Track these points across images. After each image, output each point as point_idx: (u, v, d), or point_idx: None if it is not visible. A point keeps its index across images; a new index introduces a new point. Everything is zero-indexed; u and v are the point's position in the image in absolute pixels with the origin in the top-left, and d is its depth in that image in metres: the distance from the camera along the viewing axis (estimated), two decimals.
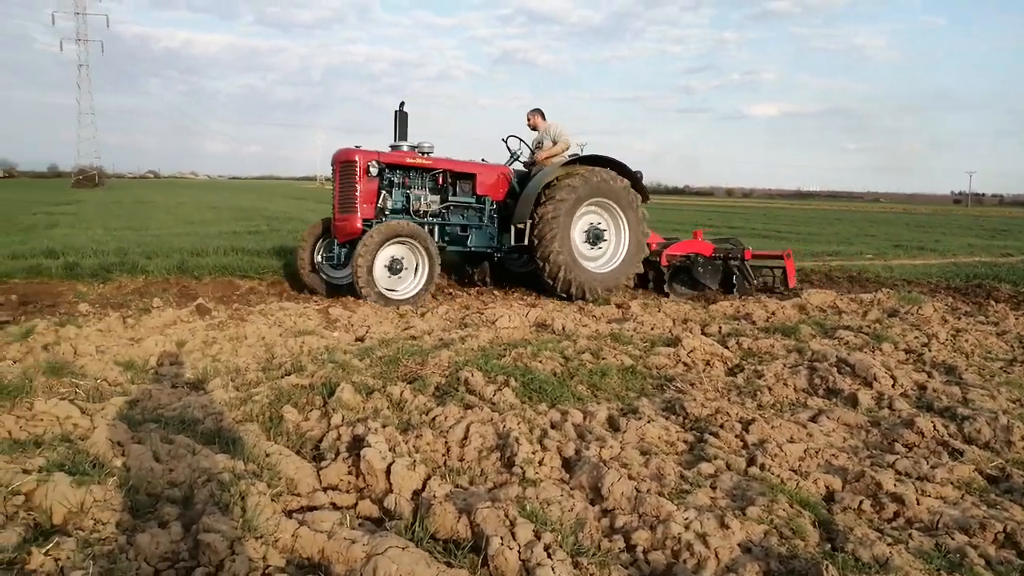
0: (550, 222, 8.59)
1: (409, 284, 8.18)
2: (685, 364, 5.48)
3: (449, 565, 2.59)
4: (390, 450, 3.43)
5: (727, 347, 5.91)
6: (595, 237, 9.18)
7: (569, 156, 9.36)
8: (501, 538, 2.65)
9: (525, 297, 9.22)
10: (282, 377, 4.74)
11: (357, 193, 8.29)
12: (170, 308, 7.11)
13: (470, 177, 9.16)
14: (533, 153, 9.78)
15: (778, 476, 3.50)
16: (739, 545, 2.81)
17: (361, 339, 6.17)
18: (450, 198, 9.03)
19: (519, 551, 2.61)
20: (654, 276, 9.95)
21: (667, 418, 4.25)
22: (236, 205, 32.63)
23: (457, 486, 3.27)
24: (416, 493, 3.17)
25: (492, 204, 9.27)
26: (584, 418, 4.14)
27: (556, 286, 8.71)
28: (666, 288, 9.65)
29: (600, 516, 3.02)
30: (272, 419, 4.03)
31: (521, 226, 8.83)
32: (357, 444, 3.56)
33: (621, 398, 4.67)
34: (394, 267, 8.05)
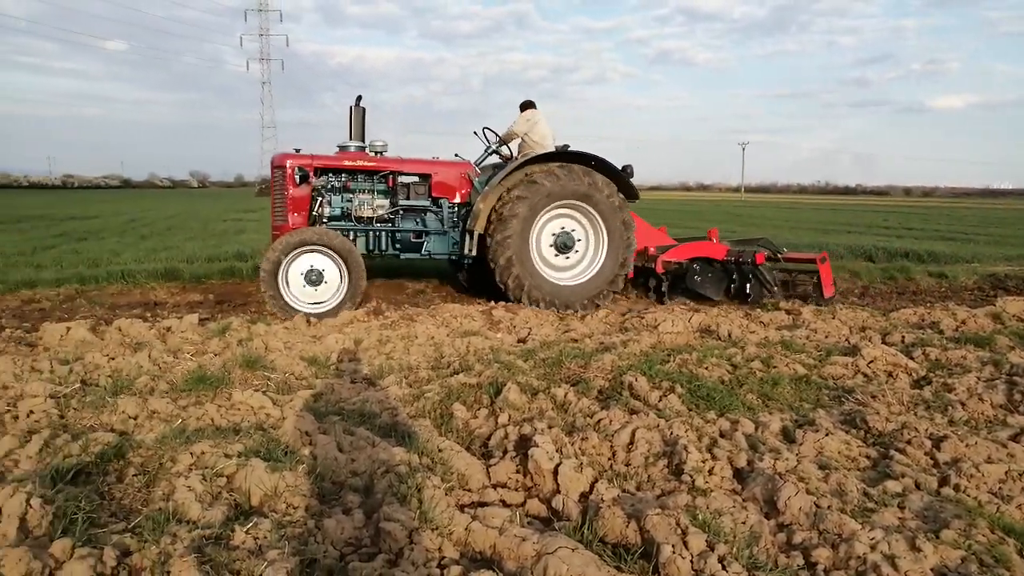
0: (504, 227, 7.72)
1: (328, 297, 7.42)
2: (865, 375, 5.15)
3: (619, 570, 2.58)
4: (557, 451, 3.46)
5: (912, 358, 5.49)
6: (564, 244, 8.19)
7: (550, 150, 8.32)
8: (672, 546, 2.60)
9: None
10: (451, 376, 4.91)
11: (287, 201, 7.82)
12: (346, 309, 7.55)
13: (424, 178, 8.34)
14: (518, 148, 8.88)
15: (975, 499, 3.21)
16: (932, 570, 2.61)
17: (523, 341, 6.28)
18: (400, 201, 8.21)
19: (691, 560, 2.55)
20: (654, 284, 9.00)
21: (847, 431, 4.01)
22: None
23: (624, 491, 3.25)
24: (583, 495, 3.18)
25: (451, 206, 8.37)
26: (756, 428, 3.98)
27: (515, 299, 7.86)
28: (665, 298, 8.75)
29: (776, 530, 2.90)
30: (443, 416, 4.18)
31: (479, 231, 7.95)
32: (524, 443, 3.62)
33: (795, 409, 4.46)
34: (311, 278, 7.33)
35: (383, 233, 8.19)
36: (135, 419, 4.00)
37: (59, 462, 3.32)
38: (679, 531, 2.69)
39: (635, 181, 8.48)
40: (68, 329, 5.99)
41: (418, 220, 8.36)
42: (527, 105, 8.95)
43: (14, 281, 8.87)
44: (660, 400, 4.41)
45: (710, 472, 3.41)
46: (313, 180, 7.90)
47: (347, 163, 8.06)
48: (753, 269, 8.60)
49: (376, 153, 8.26)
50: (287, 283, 7.27)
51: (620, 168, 8.33)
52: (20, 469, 3.26)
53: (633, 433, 3.75)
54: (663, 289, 8.81)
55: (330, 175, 8.09)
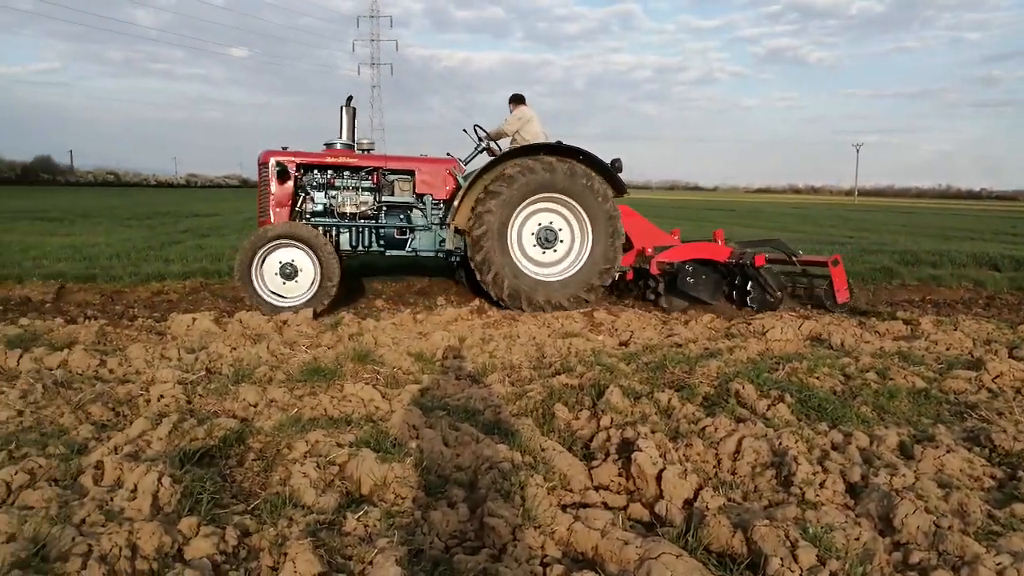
0: (481, 222, 7.64)
1: (303, 290, 7.47)
2: (990, 390, 4.85)
3: None
4: (661, 456, 3.42)
5: None
6: (545, 239, 8.04)
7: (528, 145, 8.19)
8: (781, 559, 2.54)
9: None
10: (552, 376, 4.94)
11: (269, 197, 7.91)
12: (451, 307, 7.71)
13: (408, 174, 8.31)
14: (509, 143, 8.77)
15: None
16: None
17: (625, 344, 6.24)
18: (383, 198, 8.21)
19: (801, 575, 2.48)
20: (653, 286, 8.66)
21: (970, 449, 3.79)
22: None
23: (730, 500, 3.19)
24: (687, 502, 3.13)
25: (435, 203, 8.33)
26: (871, 442, 3.82)
27: (495, 295, 7.77)
28: (663, 301, 8.40)
29: (891, 549, 2.78)
30: (544, 416, 4.21)
31: (458, 225, 7.96)
32: (627, 447, 3.60)
33: (913, 424, 4.25)
34: (285, 271, 7.40)
35: (366, 229, 8.21)
36: (255, 407, 4.22)
37: (186, 444, 3.55)
38: (788, 544, 2.63)
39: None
40: (194, 320, 6.39)
41: (402, 217, 8.36)
42: (517, 99, 8.77)
43: (145, 273, 9.51)
44: (768, 409, 4.30)
45: (821, 485, 3.30)
46: (295, 177, 7.99)
47: (329, 160, 8.11)
48: (753, 272, 8.21)
49: (364, 151, 8.30)
50: (262, 276, 7.39)
51: (609, 162, 8.15)
52: (152, 449, 3.49)
53: (740, 441, 3.67)
54: (659, 291, 8.54)
55: (314, 172, 8.16)
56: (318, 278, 7.39)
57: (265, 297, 7.37)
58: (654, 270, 8.33)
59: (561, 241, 8.11)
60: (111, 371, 4.93)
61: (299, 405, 4.22)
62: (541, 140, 8.41)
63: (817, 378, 4.86)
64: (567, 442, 3.89)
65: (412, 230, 8.31)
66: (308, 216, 8.05)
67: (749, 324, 6.81)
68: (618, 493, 3.34)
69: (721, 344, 5.97)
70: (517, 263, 7.89)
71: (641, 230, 8.71)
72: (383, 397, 4.38)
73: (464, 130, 8.59)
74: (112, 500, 2.93)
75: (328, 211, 8.12)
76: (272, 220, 7.84)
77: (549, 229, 8.06)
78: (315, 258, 7.36)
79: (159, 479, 3.00)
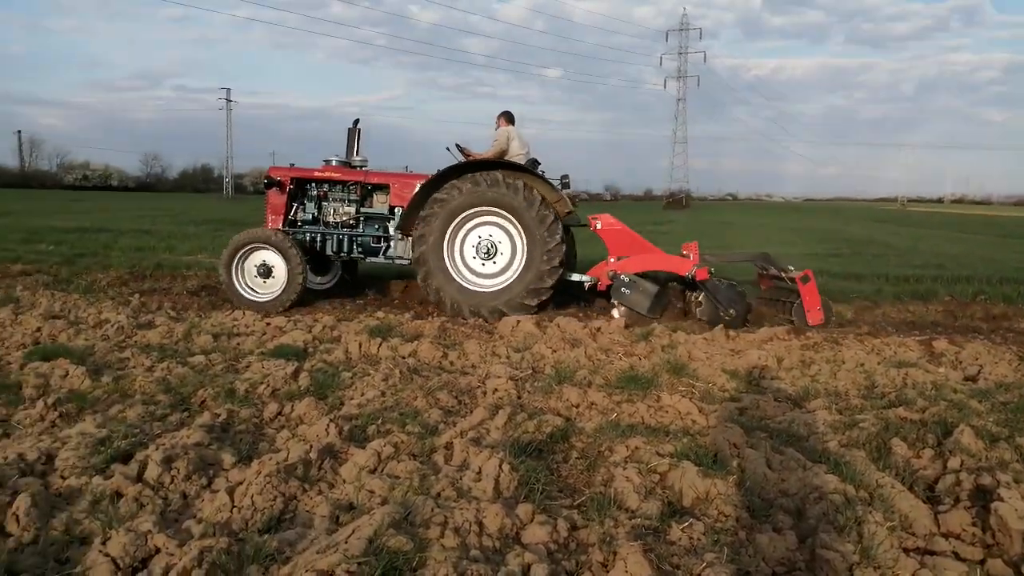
0: (421, 232, 8.10)
1: (276, 288, 8.18)
2: None
3: None
4: None
5: None
6: (486, 251, 8.22)
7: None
8: None
9: None
10: (887, 408, 4.54)
11: (268, 206, 8.85)
12: (766, 324, 7.45)
13: (384, 188, 8.94)
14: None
15: None
16: None
17: (972, 379, 5.54)
18: (362, 209, 8.91)
19: None
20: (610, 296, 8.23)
21: None
22: (814, 227, 32.51)
23: None
24: None
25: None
26: None
27: (436, 304, 8.15)
28: (614, 312, 7.98)
29: None
30: (879, 450, 3.88)
31: (407, 235, 8.48)
32: (982, 494, 3.21)
33: None
34: (261, 271, 8.21)
35: (346, 237, 8.89)
36: (576, 407, 4.44)
37: (518, 436, 3.83)
38: None
39: None
40: (518, 322, 6.90)
41: (378, 227, 9.01)
42: (508, 119, 8.95)
43: None
44: None
45: None
46: (290, 189, 8.85)
47: (316, 174, 8.93)
48: (700, 285, 7.86)
49: (357, 167, 9.00)
50: (242, 275, 8.27)
51: (558, 180, 8.56)
52: (491, 437, 3.82)
53: None
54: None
55: (309, 185, 9.02)
56: (285, 276, 8.16)
57: (244, 293, 8.23)
58: (605, 280, 8.29)
59: (501, 247, 8.29)
60: (451, 363, 5.50)
61: (618, 410, 4.36)
62: (517, 157, 8.68)
63: None
64: (907, 481, 3.54)
65: (387, 239, 8.95)
66: (299, 224, 8.98)
67: None
68: (972, 544, 2.98)
69: None
70: (452, 272, 8.20)
71: (624, 242, 8.59)
72: (700, 411, 4.35)
73: (447, 148, 8.95)
74: (461, 479, 3.26)
75: (315, 220, 9.03)
76: (269, 227, 8.83)
77: (489, 241, 8.30)
78: (283, 257, 8.14)
79: (500, 465, 3.28)
